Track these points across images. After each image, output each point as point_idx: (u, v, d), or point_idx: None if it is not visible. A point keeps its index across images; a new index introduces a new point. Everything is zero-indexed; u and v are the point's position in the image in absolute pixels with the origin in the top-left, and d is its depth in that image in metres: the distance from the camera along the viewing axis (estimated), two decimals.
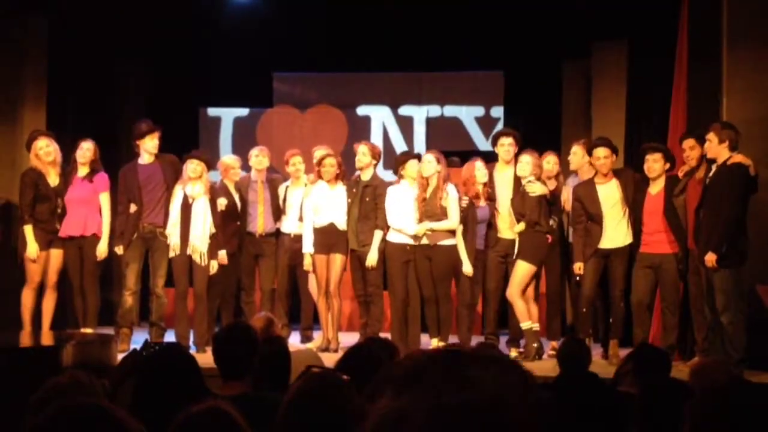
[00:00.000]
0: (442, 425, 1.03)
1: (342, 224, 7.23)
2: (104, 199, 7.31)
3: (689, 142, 6.59)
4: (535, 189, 6.87)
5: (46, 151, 7.15)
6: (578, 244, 6.90)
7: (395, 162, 7.46)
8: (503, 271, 7.17)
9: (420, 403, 1.05)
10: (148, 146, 7.31)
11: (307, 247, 7.28)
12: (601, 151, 6.87)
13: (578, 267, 6.87)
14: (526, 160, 6.95)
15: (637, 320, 6.72)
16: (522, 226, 6.89)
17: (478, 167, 7.22)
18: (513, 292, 6.89)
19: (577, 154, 7.31)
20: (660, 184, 6.70)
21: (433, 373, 1.09)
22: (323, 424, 2.28)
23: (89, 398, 2.09)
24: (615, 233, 6.83)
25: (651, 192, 6.73)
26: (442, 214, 6.96)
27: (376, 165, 7.41)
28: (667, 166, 6.70)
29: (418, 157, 7.30)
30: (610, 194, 6.85)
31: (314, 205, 7.27)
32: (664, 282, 6.66)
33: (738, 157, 6.12)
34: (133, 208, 7.28)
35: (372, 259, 7.12)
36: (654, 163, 6.68)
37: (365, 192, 7.22)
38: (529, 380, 1.09)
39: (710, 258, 6.04)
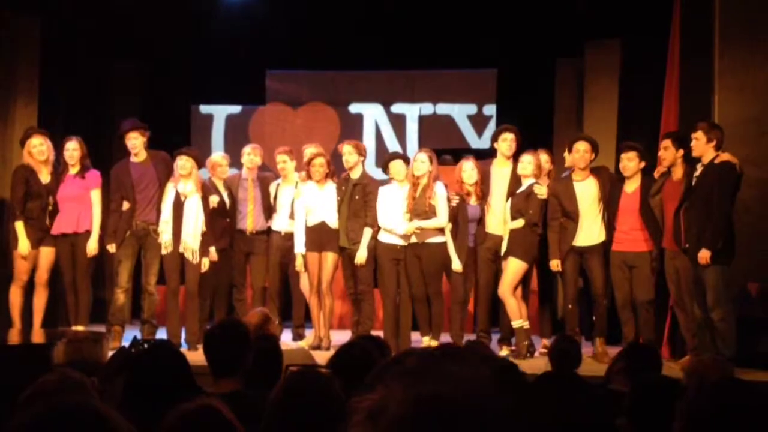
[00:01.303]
0: (415, 415, 1.06)
1: (333, 223, 7.23)
2: (95, 196, 7.29)
3: (665, 143, 6.61)
4: (543, 192, 6.89)
5: (39, 149, 7.13)
6: (554, 240, 6.92)
7: (383, 162, 7.47)
8: (494, 268, 7.17)
9: (397, 395, 1.08)
10: (129, 146, 7.30)
11: (299, 247, 7.28)
12: (581, 145, 6.92)
13: (555, 264, 6.90)
14: (528, 159, 6.96)
15: (623, 320, 6.76)
16: (520, 223, 6.89)
17: (464, 168, 7.23)
18: (504, 290, 6.89)
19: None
20: (635, 183, 6.74)
21: (415, 369, 1.15)
22: (308, 419, 2.28)
23: (78, 397, 2.08)
24: (590, 231, 6.87)
25: (626, 190, 6.77)
26: (431, 212, 6.97)
27: (363, 161, 7.40)
28: (642, 164, 6.73)
29: (403, 157, 7.31)
30: (587, 192, 6.88)
31: (305, 205, 7.26)
32: (638, 279, 6.70)
33: (726, 156, 6.16)
34: (125, 205, 7.26)
35: (361, 256, 7.12)
36: (628, 162, 6.72)
37: (355, 190, 7.22)
38: (509, 378, 1.12)
39: (704, 255, 6.06)
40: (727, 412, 1.92)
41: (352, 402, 1.17)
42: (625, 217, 6.73)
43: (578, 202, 6.86)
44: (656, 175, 6.75)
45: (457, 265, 7.02)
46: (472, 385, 1.11)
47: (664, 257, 6.61)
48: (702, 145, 6.20)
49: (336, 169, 7.46)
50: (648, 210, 6.66)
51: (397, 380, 1.12)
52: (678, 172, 6.53)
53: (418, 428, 1.05)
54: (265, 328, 4.82)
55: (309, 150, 7.59)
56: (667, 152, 6.55)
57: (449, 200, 7.06)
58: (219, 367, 3.31)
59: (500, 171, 7.24)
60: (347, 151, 7.31)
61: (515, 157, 7.16)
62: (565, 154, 7.41)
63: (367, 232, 7.15)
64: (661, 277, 6.71)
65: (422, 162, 7.05)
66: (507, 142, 7.21)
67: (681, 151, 6.46)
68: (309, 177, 7.31)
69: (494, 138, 7.43)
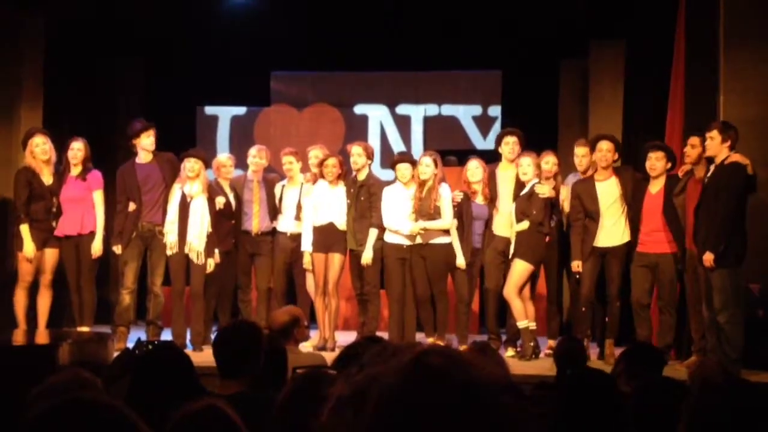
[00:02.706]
0: (408, 380, 1.06)
1: (341, 224, 7.24)
2: (98, 197, 7.29)
3: (694, 140, 6.53)
4: (545, 191, 6.89)
5: (42, 149, 7.14)
6: (576, 242, 6.90)
7: (391, 163, 7.49)
8: (502, 270, 7.17)
9: (385, 368, 1.09)
10: (145, 144, 7.30)
11: (306, 245, 7.29)
12: (604, 144, 6.86)
13: (577, 265, 6.87)
14: (527, 162, 6.95)
15: (638, 320, 6.71)
16: (525, 225, 6.88)
17: (470, 167, 7.27)
18: (510, 291, 6.88)
19: (584, 155, 7.28)
20: (660, 183, 6.70)
21: (391, 350, 1.15)
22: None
23: (92, 393, 2.08)
24: (612, 232, 6.82)
25: (651, 191, 6.72)
26: (436, 214, 6.98)
27: (371, 164, 7.42)
28: (669, 165, 6.70)
29: (411, 160, 7.30)
30: (609, 192, 6.84)
31: (314, 204, 7.28)
32: (662, 282, 6.65)
33: (736, 156, 6.12)
34: (131, 206, 7.27)
35: (367, 257, 7.13)
36: (657, 162, 6.67)
37: (361, 191, 7.24)
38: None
39: (708, 257, 6.04)
40: (731, 414, 1.92)
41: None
42: (649, 217, 6.68)
43: (600, 202, 6.82)
44: (680, 173, 6.72)
45: (461, 260, 7.03)
46: (458, 355, 1.12)
47: (685, 257, 6.58)
48: (716, 145, 6.16)
49: (348, 170, 7.46)
50: (671, 211, 6.61)
51: (379, 359, 1.12)
52: (700, 171, 6.47)
53: (413, 393, 1.04)
54: (291, 330, 4.66)
55: (315, 152, 7.59)
56: (695, 150, 6.50)
57: (453, 199, 7.07)
58: (226, 368, 3.31)
59: (505, 174, 7.25)
60: (356, 152, 7.31)
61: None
62: (576, 150, 7.35)
63: (373, 233, 7.15)
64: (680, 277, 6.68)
65: (427, 166, 7.06)
66: (509, 146, 7.23)
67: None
68: (321, 176, 7.32)
69: (497, 142, 7.46)
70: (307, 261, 7.33)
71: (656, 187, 6.71)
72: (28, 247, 7.11)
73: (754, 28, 6.91)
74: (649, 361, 3.91)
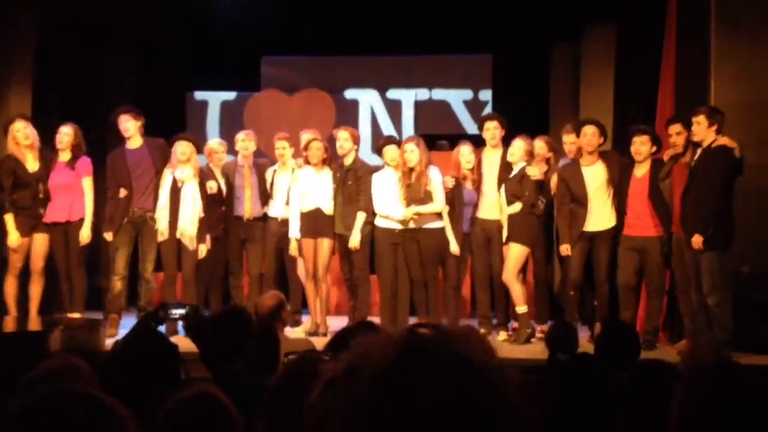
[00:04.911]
0: (403, 353, 1.05)
1: (329, 209, 7.23)
2: (87, 184, 7.24)
3: (676, 128, 6.59)
4: (536, 172, 6.90)
5: (24, 133, 7.08)
6: (564, 226, 6.92)
7: (377, 148, 7.47)
8: (487, 253, 7.18)
9: (380, 344, 1.08)
10: (122, 129, 7.25)
11: (293, 232, 7.29)
12: (589, 128, 6.89)
13: (565, 248, 6.89)
14: (518, 145, 6.96)
15: (623, 303, 6.75)
16: (517, 207, 6.89)
17: (463, 152, 7.25)
18: (509, 276, 6.87)
19: (573, 141, 7.29)
20: (645, 167, 6.72)
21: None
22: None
23: (78, 383, 2.07)
24: (599, 216, 6.84)
25: (636, 175, 6.74)
26: (427, 198, 6.96)
27: (357, 149, 7.40)
28: (654, 149, 6.72)
29: (397, 142, 7.28)
30: (595, 176, 6.86)
31: (301, 189, 7.26)
32: (649, 265, 6.68)
33: (723, 140, 6.15)
34: (122, 193, 7.23)
35: (355, 240, 7.11)
36: (641, 146, 6.69)
37: (347, 176, 7.22)
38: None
39: (696, 240, 6.07)
40: (722, 395, 1.92)
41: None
42: (635, 201, 6.69)
43: (587, 187, 6.84)
44: (666, 158, 6.73)
45: (455, 247, 7.03)
46: (450, 329, 1.11)
47: (672, 241, 6.60)
48: (703, 129, 6.19)
49: (333, 155, 7.44)
50: (657, 194, 6.63)
51: (374, 338, 1.11)
52: (687, 156, 6.50)
53: (408, 367, 1.03)
54: (279, 314, 4.83)
55: (306, 135, 7.59)
56: (680, 137, 6.53)
57: (444, 184, 7.06)
58: (218, 353, 3.30)
59: (489, 158, 7.28)
60: (343, 137, 7.29)
61: (505, 142, 7.18)
62: (564, 138, 7.37)
63: (360, 216, 7.14)
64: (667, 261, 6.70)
65: (411, 151, 7.00)
66: (490, 131, 7.26)
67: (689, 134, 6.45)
68: (306, 162, 7.31)
69: (479, 127, 7.48)
70: (293, 248, 7.33)
71: (641, 170, 6.73)
72: (12, 236, 7.07)
73: (744, 12, 6.91)
74: (624, 342, 3.91)
